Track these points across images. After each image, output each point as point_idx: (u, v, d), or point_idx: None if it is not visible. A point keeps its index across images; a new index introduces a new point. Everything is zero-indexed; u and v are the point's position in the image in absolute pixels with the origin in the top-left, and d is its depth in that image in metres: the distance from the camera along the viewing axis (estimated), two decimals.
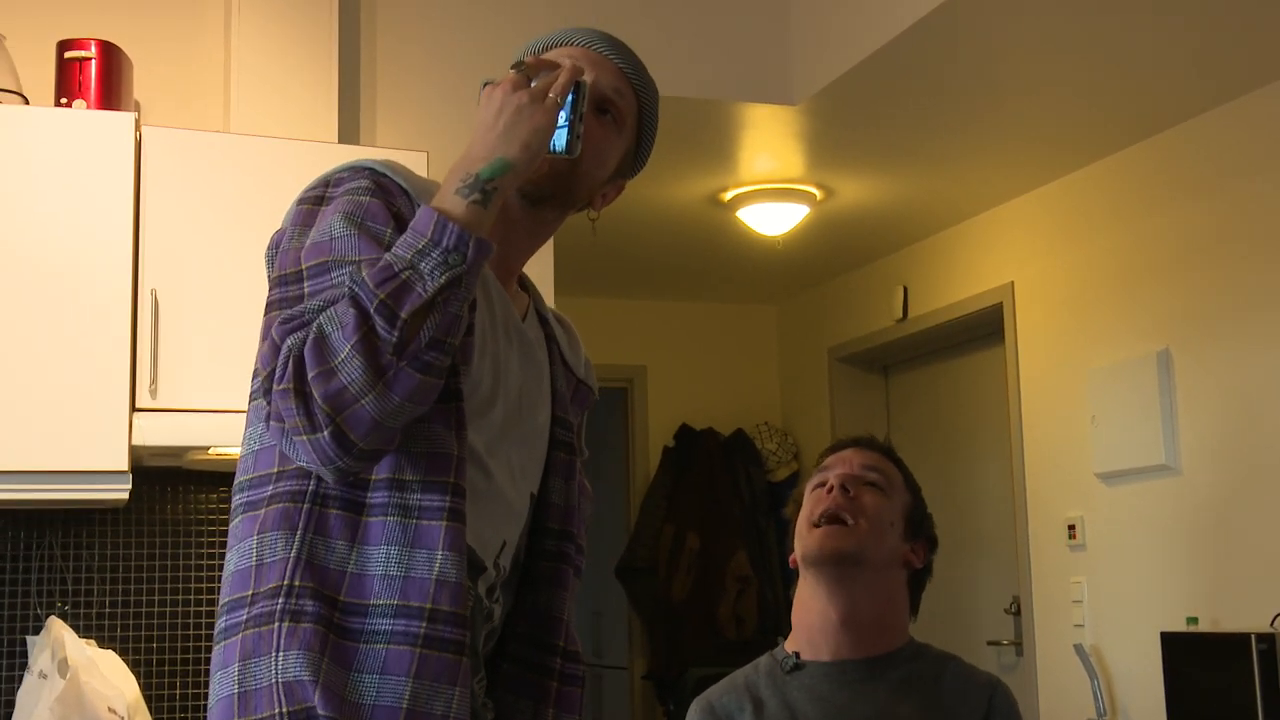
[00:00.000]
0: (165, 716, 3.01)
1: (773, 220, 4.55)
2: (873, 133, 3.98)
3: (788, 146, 4.10)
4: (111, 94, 2.91)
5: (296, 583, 1.33)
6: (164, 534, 3.09)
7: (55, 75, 2.90)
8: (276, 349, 1.31)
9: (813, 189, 4.43)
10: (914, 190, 4.50)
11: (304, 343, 1.29)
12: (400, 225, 1.38)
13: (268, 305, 1.37)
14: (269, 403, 1.32)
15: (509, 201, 1.47)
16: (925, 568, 2.06)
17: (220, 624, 1.39)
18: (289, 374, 1.29)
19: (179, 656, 3.06)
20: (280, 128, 3.08)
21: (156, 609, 3.06)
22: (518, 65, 1.42)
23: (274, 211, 2.87)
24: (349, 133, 3.31)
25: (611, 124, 1.55)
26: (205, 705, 3.07)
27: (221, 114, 3.22)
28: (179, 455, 2.88)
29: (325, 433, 1.29)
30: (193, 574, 3.09)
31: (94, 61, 2.89)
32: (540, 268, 3.28)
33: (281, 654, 1.31)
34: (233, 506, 1.45)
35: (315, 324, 1.29)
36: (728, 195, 4.48)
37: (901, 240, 5.12)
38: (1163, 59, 3.45)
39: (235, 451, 2.88)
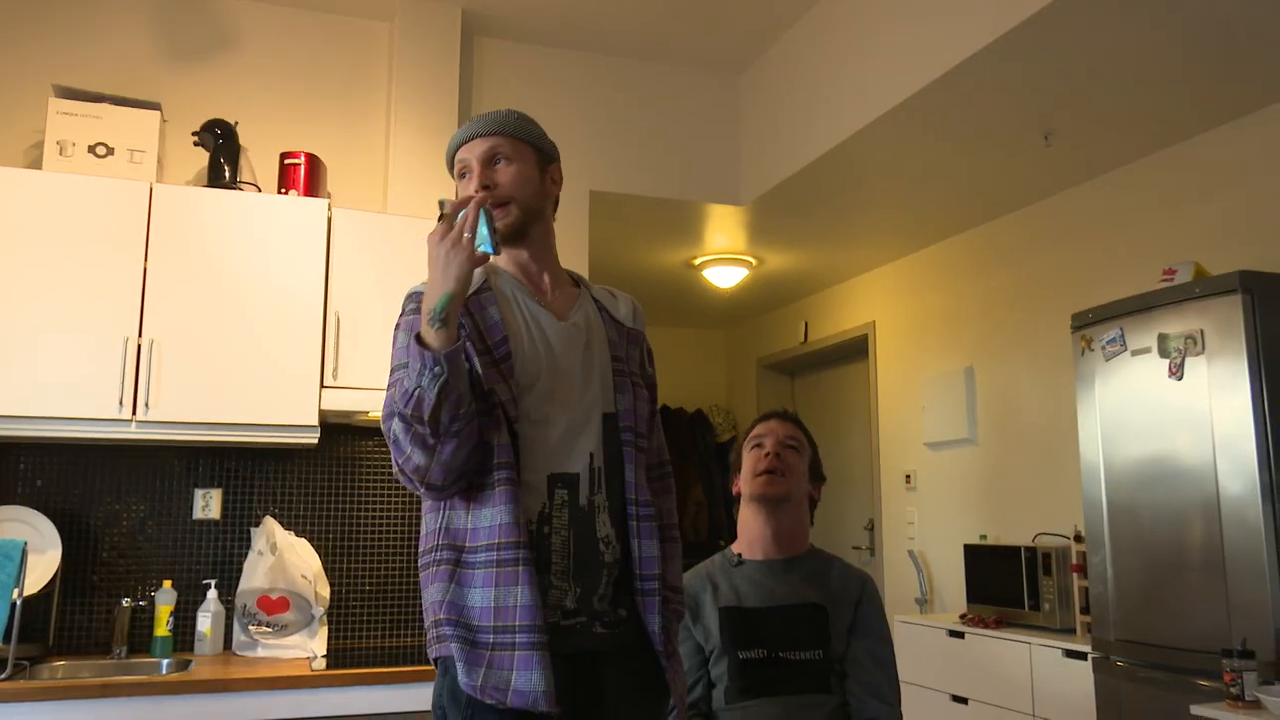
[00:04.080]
0: (335, 580, 2.91)
1: (724, 277, 4.45)
2: (793, 224, 3.84)
3: (737, 232, 3.96)
4: (313, 186, 2.85)
5: (440, 542, 1.35)
6: (338, 466, 2.96)
7: (278, 174, 2.87)
8: (388, 418, 1.31)
9: (751, 258, 4.32)
10: (815, 260, 4.39)
11: (389, 433, 1.30)
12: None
13: (391, 369, 1.36)
14: None
15: (504, 252, 1.40)
16: (819, 498, 1.96)
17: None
18: (392, 453, 1.31)
19: (345, 544, 2.93)
20: (423, 210, 2.96)
21: (332, 513, 2.94)
22: (441, 211, 1.29)
23: (411, 272, 2.70)
24: None
25: (504, 164, 1.41)
26: (361, 575, 3.01)
27: (380, 198, 3.10)
28: (350, 416, 2.78)
29: (420, 488, 1.31)
30: (355, 493, 2.95)
31: (302, 166, 2.84)
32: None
33: (434, 585, 1.34)
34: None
35: (392, 427, 1.29)
36: (696, 261, 4.36)
37: (806, 291, 5.00)
38: (966, 185, 3.37)
39: None
